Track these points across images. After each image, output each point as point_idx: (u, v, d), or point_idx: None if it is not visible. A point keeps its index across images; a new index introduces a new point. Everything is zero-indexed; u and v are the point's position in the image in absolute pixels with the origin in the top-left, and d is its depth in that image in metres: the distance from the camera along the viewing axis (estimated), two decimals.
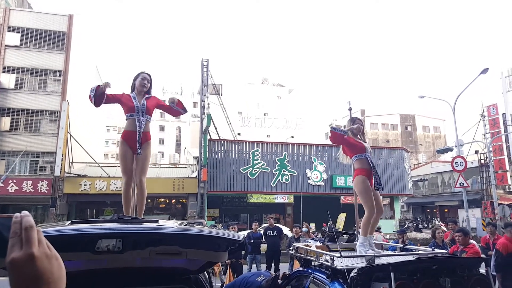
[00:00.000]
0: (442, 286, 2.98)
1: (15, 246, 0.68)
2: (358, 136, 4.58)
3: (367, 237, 4.23)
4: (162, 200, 27.08)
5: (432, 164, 42.87)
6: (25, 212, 0.72)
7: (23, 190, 21.32)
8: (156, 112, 4.20)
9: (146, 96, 4.07)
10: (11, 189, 21.15)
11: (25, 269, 0.67)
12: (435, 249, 5.18)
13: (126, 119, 3.96)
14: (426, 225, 33.02)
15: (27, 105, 22.65)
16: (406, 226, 28.90)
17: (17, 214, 0.72)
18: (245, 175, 24.02)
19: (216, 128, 25.60)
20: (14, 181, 21.29)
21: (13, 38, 23.00)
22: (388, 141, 50.55)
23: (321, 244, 4.88)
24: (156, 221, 2.58)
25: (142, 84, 4.03)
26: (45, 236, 0.74)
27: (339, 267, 3.23)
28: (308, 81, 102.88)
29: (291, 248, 5.02)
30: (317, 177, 25.35)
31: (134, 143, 3.86)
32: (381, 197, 4.50)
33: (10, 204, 22.17)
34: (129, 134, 3.90)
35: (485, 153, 28.92)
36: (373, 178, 4.37)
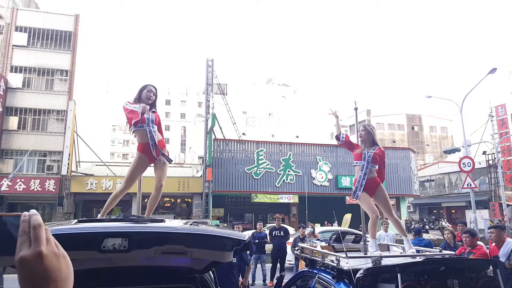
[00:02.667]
0: None
1: (24, 245, 0.69)
2: (365, 143, 4.66)
3: (374, 240, 4.30)
4: (168, 199, 27.16)
5: (439, 165, 42.57)
6: (33, 211, 0.73)
7: (30, 189, 21.51)
8: (162, 112, 4.14)
9: (152, 109, 4.10)
10: (19, 188, 21.35)
11: (33, 267, 0.68)
12: (443, 250, 5.14)
13: (135, 130, 3.93)
14: (432, 226, 32.83)
15: (34, 104, 22.83)
16: (412, 227, 28.74)
17: (26, 213, 0.72)
18: (250, 175, 24.02)
19: (221, 128, 25.62)
20: (22, 180, 21.48)
21: (20, 38, 23.20)
22: (394, 141, 50.30)
23: (327, 244, 4.86)
24: (162, 221, 2.59)
25: (148, 96, 4.04)
26: (52, 235, 0.74)
27: (345, 268, 3.21)
28: (313, 81, 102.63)
29: (297, 248, 5.01)
30: (322, 177, 25.28)
31: (152, 155, 3.92)
32: (383, 204, 4.59)
33: (18, 203, 22.40)
34: (147, 146, 3.91)
35: (493, 153, 28.67)
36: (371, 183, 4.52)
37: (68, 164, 21.95)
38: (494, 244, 5.67)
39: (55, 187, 21.87)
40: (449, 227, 26.01)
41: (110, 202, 3.86)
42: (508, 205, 23.03)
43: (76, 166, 24.05)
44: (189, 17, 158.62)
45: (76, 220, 2.55)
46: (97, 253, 2.03)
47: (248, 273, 7.33)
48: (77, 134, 23.12)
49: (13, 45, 23.06)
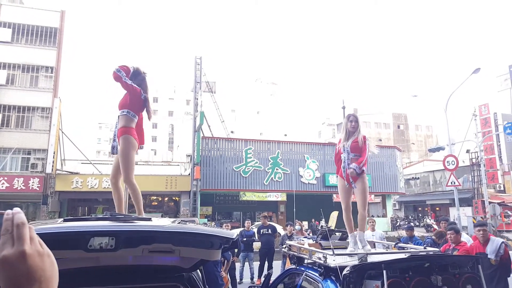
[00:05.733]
0: (434, 284, 3.00)
1: (7, 244, 0.67)
2: (352, 134, 4.59)
3: (352, 234, 4.33)
4: (155, 198, 26.98)
5: (424, 163, 43.27)
6: (16, 209, 0.71)
7: (14, 187, 21.11)
8: None
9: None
10: (2, 186, 20.93)
11: (16, 266, 0.66)
12: (427, 247, 5.23)
13: (133, 116, 3.75)
14: (417, 224, 33.33)
15: (19, 101, 22.39)
16: (398, 224, 29.15)
17: (9, 211, 0.70)
18: (238, 173, 24.01)
19: (209, 126, 25.54)
20: (5, 178, 21.06)
21: (4, 34, 22.70)
22: (380, 140, 50.88)
23: (314, 242, 4.91)
24: (149, 219, 2.58)
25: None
26: (37, 234, 0.73)
27: (332, 265, 3.25)
28: (301, 79, 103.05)
29: (284, 246, 5.04)
30: (310, 175, 25.43)
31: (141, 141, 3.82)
32: (361, 196, 4.54)
33: (0, 202, 21.96)
34: (134, 131, 3.75)
35: (477, 152, 29.25)
36: (344, 175, 4.49)
37: (53, 162, 21.60)
38: (478, 240, 5.79)
39: (39, 185, 21.50)
40: (433, 225, 26.43)
41: (139, 197, 3.62)
42: (490, 203, 23.51)
43: (61, 164, 23.69)
44: (178, 15, 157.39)
45: (61, 219, 2.53)
46: (84, 252, 2.01)
47: (227, 266, 7.55)
48: (62, 132, 22.77)
49: None
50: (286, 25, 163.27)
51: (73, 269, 2.25)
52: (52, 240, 1.82)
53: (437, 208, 38.97)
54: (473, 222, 19.29)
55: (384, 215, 28.40)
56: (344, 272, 3.02)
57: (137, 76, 3.83)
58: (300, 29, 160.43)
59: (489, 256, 5.29)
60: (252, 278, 10.79)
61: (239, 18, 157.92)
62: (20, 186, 21.23)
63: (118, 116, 3.80)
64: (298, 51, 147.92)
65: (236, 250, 9.22)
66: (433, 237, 7.60)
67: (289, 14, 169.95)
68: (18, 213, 0.70)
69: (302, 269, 4.01)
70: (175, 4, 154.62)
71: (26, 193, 21.47)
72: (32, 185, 21.42)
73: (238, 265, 10.43)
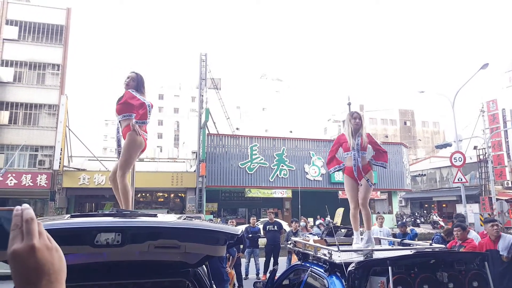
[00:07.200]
0: (440, 281, 2.99)
1: (16, 238, 0.70)
2: (359, 131, 4.64)
3: (357, 232, 4.39)
4: (161, 194, 27.12)
5: (430, 160, 42.99)
6: (25, 205, 0.74)
7: (22, 184, 21.35)
8: (154, 107, 3.97)
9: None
10: (10, 183, 21.17)
11: (26, 260, 0.69)
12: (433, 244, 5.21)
13: (144, 124, 3.81)
14: (424, 220, 33.18)
15: (26, 98, 22.59)
16: (404, 220, 29.04)
17: (18, 207, 0.73)
18: (244, 170, 24.04)
19: (214, 123, 25.58)
20: (13, 174, 21.30)
21: (11, 31, 22.88)
22: (386, 136, 50.63)
23: (319, 238, 4.91)
24: (155, 215, 2.60)
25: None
26: (45, 229, 0.75)
27: (337, 261, 3.25)
28: (307, 76, 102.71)
29: (289, 242, 5.05)
30: (315, 172, 25.39)
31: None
32: (365, 191, 4.48)
33: (9, 198, 22.24)
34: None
35: (484, 148, 28.99)
36: (355, 173, 4.51)
37: (60, 159, 21.79)
38: (488, 237, 5.71)
39: (47, 182, 21.72)
40: (440, 222, 26.28)
41: (127, 196, 3.68)
42: (497, 199, 23.33)
43: (68, 161, 23.90)
44: (183, 12, 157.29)
45: (69, 215, 2.55)
46: (90, 248, 2.03)
47: (232, 262, 7.63)
48: (69, 129, 22.95)
49: (3, 39, 22.74)
50: (292, 21, 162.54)
51: (80, 264, 2.27)
52: (59, 235, 1.84)
53: (444, 205, 38.73)
54: (480, 219, 19.16)
55: (390, 212, 28.30)
56: (349, 268, 3.02)
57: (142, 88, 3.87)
58: (305, 26, 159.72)
59: (501, 253, 5.25)
60: (257, 274, 10.83)
61: (245, 14, 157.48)
62: (28, 183, 21.46)
63: (119, 121, 3.83)
64: (304, 47, 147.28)
65: (241, 246, 9.27)
66: (442, 234, 7.57)
67: (294, 10, 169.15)
68: (27, 209, 0.73)
69: (308, 265, 4.01)
70: (180, 1, 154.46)
71: (34, 189, 21.71)
72: (40, 181, 21.64)
73: (243, 261, 10.49)
